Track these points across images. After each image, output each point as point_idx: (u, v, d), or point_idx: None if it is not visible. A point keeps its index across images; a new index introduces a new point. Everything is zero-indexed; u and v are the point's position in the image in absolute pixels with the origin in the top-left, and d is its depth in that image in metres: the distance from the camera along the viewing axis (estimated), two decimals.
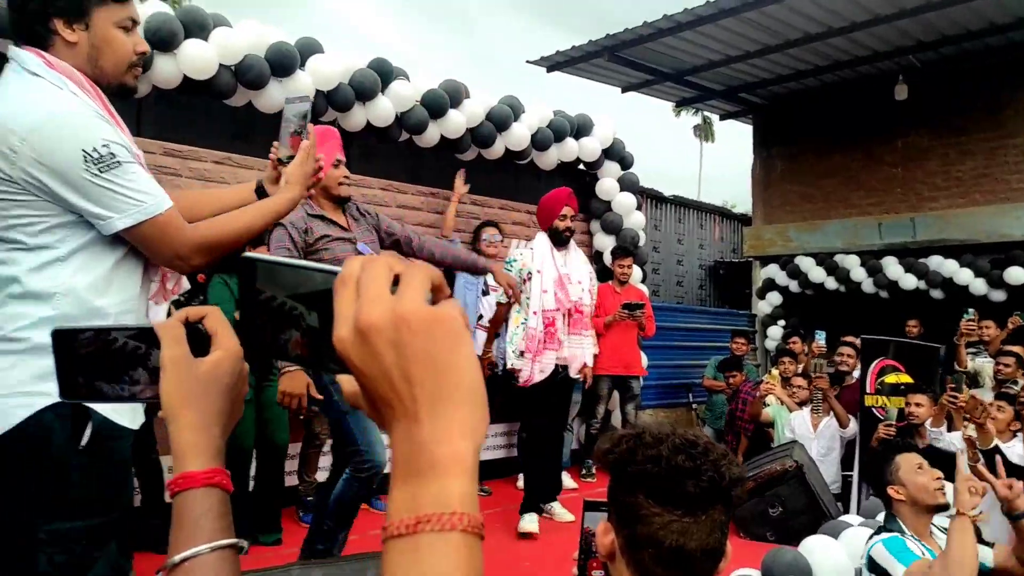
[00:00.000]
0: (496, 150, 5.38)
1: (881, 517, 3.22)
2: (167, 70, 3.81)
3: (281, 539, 3.70)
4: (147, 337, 0.74)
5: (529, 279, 4.17)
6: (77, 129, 1.39)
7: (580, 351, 4.28)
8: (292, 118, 1.97)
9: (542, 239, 4.28)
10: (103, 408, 1.42)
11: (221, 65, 3.98)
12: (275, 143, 1.93)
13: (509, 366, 4.21)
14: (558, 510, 4.41)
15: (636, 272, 6.15)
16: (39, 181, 1.37)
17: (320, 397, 2.82)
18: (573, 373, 4.31)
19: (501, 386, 4.49)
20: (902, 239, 8.47)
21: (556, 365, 4.18)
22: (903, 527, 2.35)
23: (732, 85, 8.88)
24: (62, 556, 1.33)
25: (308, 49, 4.38)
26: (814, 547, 3.03)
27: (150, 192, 1.46)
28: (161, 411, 0.72)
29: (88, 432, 1.40)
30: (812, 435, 4.91)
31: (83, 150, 1.38)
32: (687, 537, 0.97)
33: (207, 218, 1.64)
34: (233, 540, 0.70)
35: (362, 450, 2.73)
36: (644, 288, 6.14)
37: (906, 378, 4.64)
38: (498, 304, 4.53)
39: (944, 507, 2.40)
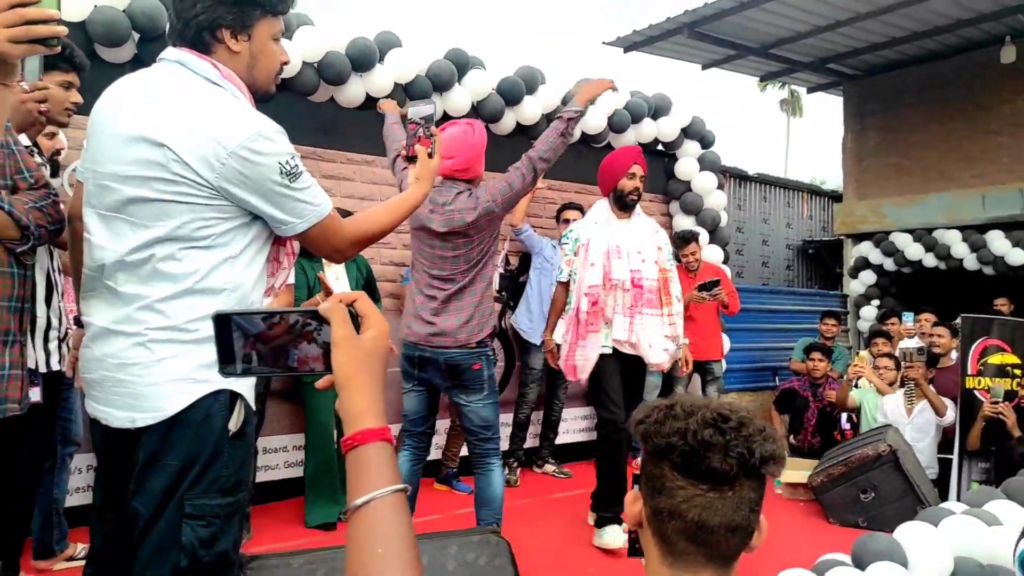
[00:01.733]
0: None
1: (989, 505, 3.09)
2: None
3: None
4: (315, 318, 0.86)
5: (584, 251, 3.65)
6: (275, 145, 1.51)
7: (644, 335, 3.55)
8: (418, 120, 2.10)
9: (600, 206, 3.78)
10: (248, 396, 1.55)
11: (304, 63, 4.14)
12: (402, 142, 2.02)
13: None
14: (607, 538, 3.53)
15: (716, 252, 6.01)
16: (234, 191, 1.49)
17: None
18: (651, 360, 3.60)
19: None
20: (1009, 211, 7.94)
21: (615, 349, 3.57)
22: None
23: (821, 56, 8.50)
24: (205, 530, 1.46)
25: (387, 44, 4.48)
26: (910, 534, 2.88)
27: (321, 196, 1.63)
28: (332, 380, 0.86)
29: (240, 418, 1.53)
30: (906, 420, 4.71)
31: (279, 163, 1.51)
32: (710, 512, 0.95)
33: None
34: (405, 485, 0.83)
35: (498, 437, 2.95)
36: (724, 267, 5.98)
37: (1012, 358, 4.41)
38: (558, 283, 3.87)
39: None
